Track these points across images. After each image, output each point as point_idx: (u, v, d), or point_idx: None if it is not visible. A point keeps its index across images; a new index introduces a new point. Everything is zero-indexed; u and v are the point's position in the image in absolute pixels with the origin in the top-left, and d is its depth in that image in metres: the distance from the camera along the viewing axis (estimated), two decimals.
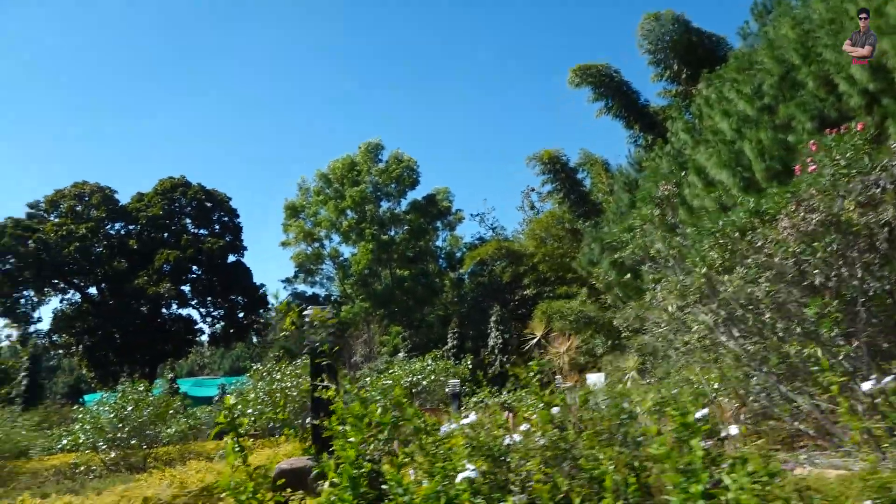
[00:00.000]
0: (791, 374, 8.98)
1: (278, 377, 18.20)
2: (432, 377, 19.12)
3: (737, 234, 9.90)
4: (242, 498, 3.44)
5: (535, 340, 16.00)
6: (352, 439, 3.49)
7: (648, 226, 13.30)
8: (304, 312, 6.63)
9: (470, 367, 20.65)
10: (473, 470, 2.97)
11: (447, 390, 16.10)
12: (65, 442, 17.35)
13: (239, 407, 15.59)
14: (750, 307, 9.62)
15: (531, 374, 4.57)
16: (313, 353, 7.17)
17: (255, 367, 19.29)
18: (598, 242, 33.25)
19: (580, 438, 3.53)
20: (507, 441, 3.93)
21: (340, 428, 3.70)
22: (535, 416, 5.94)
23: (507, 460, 3.72)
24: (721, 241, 9.96)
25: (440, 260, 51.49)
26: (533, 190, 46.26)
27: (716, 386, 10.26)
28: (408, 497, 2.83)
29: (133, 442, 17.52)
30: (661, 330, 13.82)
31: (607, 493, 2.73)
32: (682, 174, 24.64)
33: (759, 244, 9.27)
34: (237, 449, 3.80)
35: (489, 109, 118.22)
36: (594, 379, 18.94)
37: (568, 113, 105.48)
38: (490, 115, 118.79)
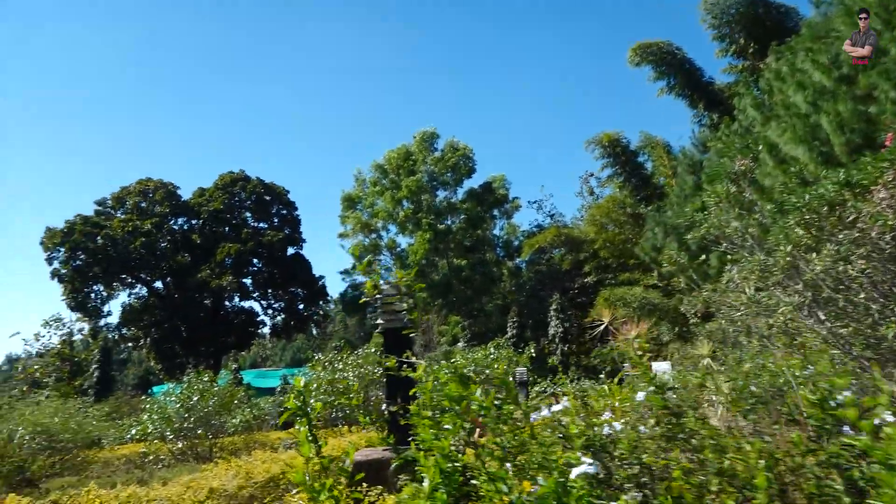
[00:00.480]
0: (885, 359, 8.26)
1: (340, 367, 18.01)
2: (495, 366, 18.64)
3: (825, 209, 9.17)
4: (321, 498, 3.02)
5: (602, 327, 15.33)
6: (448, 426, 3.06)
7: (723, 203, 12.55)
8: (384, 286, 6.24)
9: (533, 355, 20.08)
10: (592, 464, 2.50)
11: (513, 379, 15.61)
12: (133, 432, 17.58)
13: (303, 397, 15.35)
14: (841, 287, 8.90)
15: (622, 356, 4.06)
16: (391, 327, 6.76)
17: (316, 357, 19.17)
18: (661, 227, 32.22)
19: (703, 426, 3.01)
20: (605, 431, 3.44)
21: (427, 413, 3.26)
22: (608, 403, 5.39)
23: (614, 453, 3.22)
24: (807, 217, 9.23)
25: (497, 249, 50.87)
26: (592, 175, 45.23)
27: (796, 373, 9.54)
28: (515, 495, 2.39)
29: (199, 432, 17.62)
30: (738, 315, 13.11)
31: (760, 493, 2.23)
32: (752, 153, 23.58)
33: (851, 218, 8.53)
34: (310, 438, 3.38)
35: (546, 94, 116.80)
36: (660, 368, 18.16)
37: (627, 95, 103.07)
38: (547, 100, 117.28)
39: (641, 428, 3.54)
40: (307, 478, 3.10)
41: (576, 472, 2.39)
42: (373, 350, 18.43)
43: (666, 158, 36.92)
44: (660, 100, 33.55)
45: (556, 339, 37.56)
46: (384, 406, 7.53)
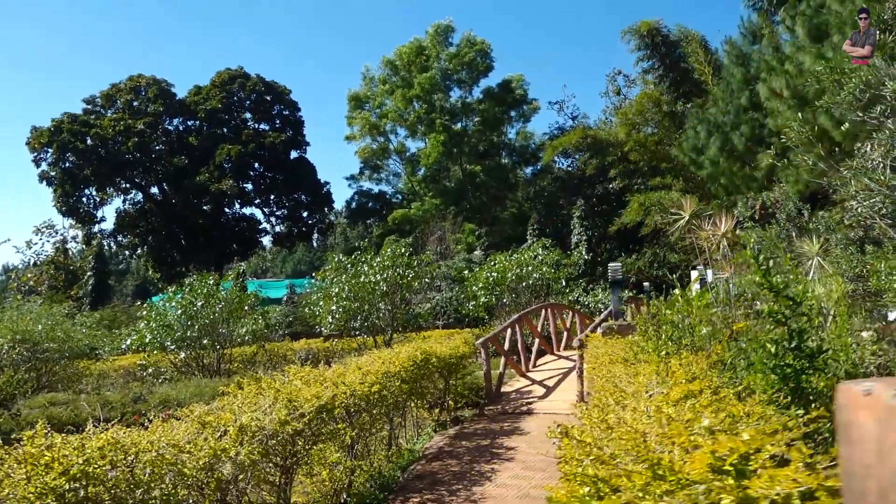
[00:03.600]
0: None
1: (366, 269, 15.60)
2: (543, 269, 16.26)
3: None
4: None
5: (682, 221, 12.85)
6: None
7: (876, 59, 9.82)
8: None
9: (586, 258, 17.75)
10: None
11: (609, 274, 13.23)
12: (129, 342, 15.32)
13: (321, 304, 12.65)
14: None
15: None
16: None
17: (336, 259, 16.74)
18: (704, 125, 29.39)
19: None
20: None
21: None
22: None
23: None
24: None
25: (514, 155, 47.84)
26: (620, 73, 41.77)
27: None
28: None
29: (205, 342, 15.42)
30: (872, 200, 10.59)
31: None
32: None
33: None
34: None
35: None
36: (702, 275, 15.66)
37: None
38: None
39: None
40: None
41: None
42: (402, 251, 15.94)
43: (703, 54, 33.64)
44: None
45: (581, 247, 35.14)
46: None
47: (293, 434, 4.65)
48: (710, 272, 16.57)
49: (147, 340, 15.13)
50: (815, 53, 22.13)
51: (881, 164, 10.35)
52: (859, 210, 10.45)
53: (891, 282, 10.55)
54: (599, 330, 10.76)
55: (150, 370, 15.31)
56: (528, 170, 47.51)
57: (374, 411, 6.51)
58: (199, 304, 15.44)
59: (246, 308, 16.68)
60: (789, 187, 23.79)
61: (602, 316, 12.25)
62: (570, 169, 41.88)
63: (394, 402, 7.04)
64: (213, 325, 15.57)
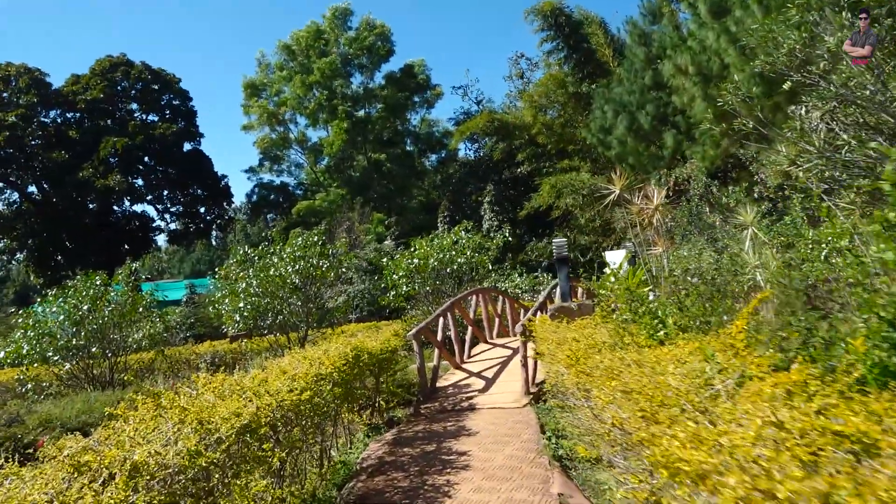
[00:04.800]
0: None
1: (275, 260, 14.25)
2: (468, 253, 15.34)
3: None
4: None
5: (613, 196, 12.23)
6: None
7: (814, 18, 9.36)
8: None
9: (509, 240, 17.00)
10: None
11: (554, 251, 12.38)
12: (2, 354, 13.34)
13: (226, 302, 11.16)
14: None
15: None
16: None
17: (241, 252, 15.24)
18: (611, 105, 29.37)
19: None
20: None
21: None
22: None
23: None
24: None
25: (419, 143, 46.87)
26: (522, 56, 41.47)
27: None
28: None
29: (94, 350, 13.65)
30: (809, 165, 10.21)
31: None
32: None
33: None
34: None
35: None
36: (615, 257, 15.24)
37: None
38: None
39: None
40: None
41: None
42: (315, 240, 14.66)
43: (603, 36, 33.76)
44: None
45: (504, 229, 34.68)
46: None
47: (208, 467, 3.48)
48: (621, 252, 16.14)
49: (24, 352, 13.22)
50: (717, 29, 22.26)
51: (819, 126, 9.97)
52: (798, 175, 10.04)
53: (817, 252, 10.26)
54: (542, 313, 9.96)
55: (30, 385, 13.40)
56: (434, 157, 46.76)
57: (306, 423, 5.36)
58: (86, 307, 13.65)
59: (140, 310, 14.95)
60: (698, 161, 23.93)
61: (541, 298, 11.48)
62: (477, 154, 41.35)
63: (327, 410, 5.90)
64: (102, 331, 13.82)
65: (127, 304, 14.76)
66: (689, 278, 13.53)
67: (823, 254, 10.52)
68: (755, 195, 20.84)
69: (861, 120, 9.28)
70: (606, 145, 29.59)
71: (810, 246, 11.13)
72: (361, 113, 42.65)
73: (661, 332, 4.37)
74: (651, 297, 9.01)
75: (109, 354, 14.15)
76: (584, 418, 4.58)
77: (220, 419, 3.77)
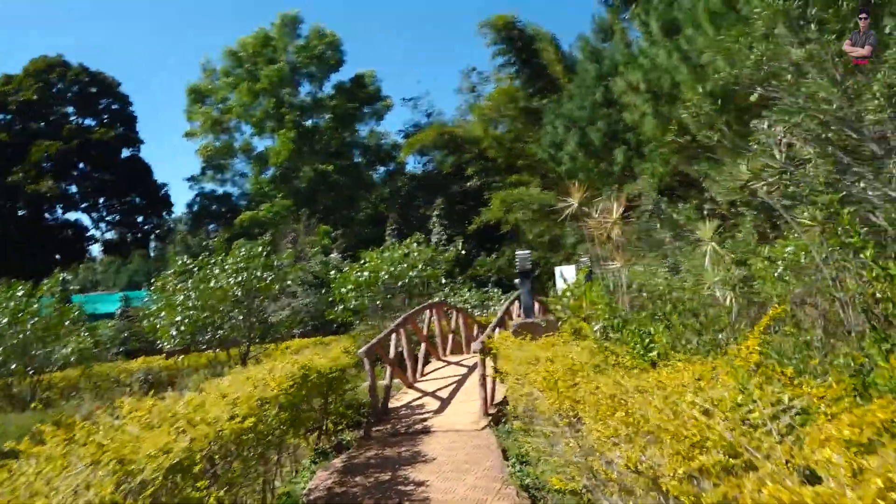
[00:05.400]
0: None
1: (216, 272, 13.46)
2: (419, 266, 14.79)
3: None
4: None
5: (571, 208, 11.88)
6: None
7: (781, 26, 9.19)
8: None
9: (462, 252, 16.54)
10: None
11: (518, 264, 11.89)
12: None
13: (162, 315, 10.33)
14: None
15: None
16: None
17: (179, 262, 14.37)
18: (562, 120, 29.35)
19: None
20: None
21: None
22: None
23: None
24: None
25: (367, 154, 46.20)
26: (474, 70, 41.29)
27: None
28: None
29: (13, 367, 12.59)
30: (772, 179, 10.04)
31: None
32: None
33: None
34: None
35: None
36: (566, 273, 14.97)
37: None
38: None
39: None
40: None
41: None
42: (259, 250, 13.94)
43: (554, 52, 33.83)
44: None
45: (440, 247, 34.28)
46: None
47: None
48: (571, 268, 15.85)
49: None
50: (669, 47, 22.37)
51: (781, 141, 9.82)
52: (761, 191, 9.85)
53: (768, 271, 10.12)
54: (501, 330, 9.49)
55: None
56: (383, 169, 46.18)
57: (249, 454, 4.73)
58: (5, 321, 12.61)
59: (67, 324, 13.92)
60: (648, 178, 23.95)
61: (500, 313, 11.00)
62: (427, 167, 41.01)
63: (272, 438, 5.27)
64: (23, 347, 12.79)
65: (52, 318, 13.74)
66: (642, 293, 13.30)
67: (777, 272, 10.37)
68: (705, 212, 20.96)
69: (824, 136, 9.13)
70: (557, 161, 29.52)
71: (765, 263, 10.98)
72: (309, 123, 41.82)
73: (653, 353, 3.93)
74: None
75: (31, 372, 13.10)
76: (565, 449, 4.10)
77: (144, 457, 3.14)
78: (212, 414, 4.17)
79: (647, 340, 4.10)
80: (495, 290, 28.88)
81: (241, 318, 13.89)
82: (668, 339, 4.13)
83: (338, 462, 7.31)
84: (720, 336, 4.19)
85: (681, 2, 23.18)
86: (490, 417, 8.32)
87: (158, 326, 13.73)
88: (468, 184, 36.78)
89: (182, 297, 13.26)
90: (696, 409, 2.32)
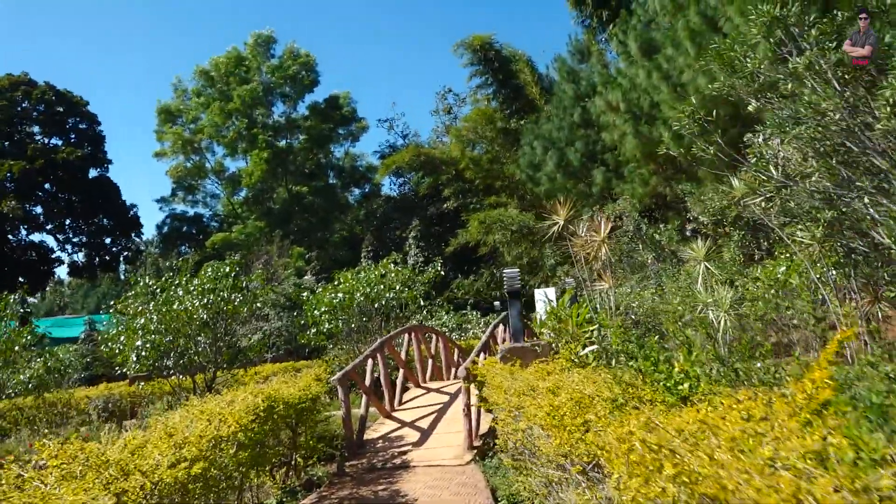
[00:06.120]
0: None
1: (180, 293, 12.67)
2: (397, 288, 14.10)
3: None
4: None
5: (557, 226, 11.29)
6: None
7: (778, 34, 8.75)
8: None
9: (441, 273, 15.89)
10: None
11: (506, 284, 11.20)
12: None
13: (122, 339, 9.47)
14: None
15: None
16: None
17: (140, 283, 13.54)
18: (540, 141, 29.02)
19: None
20: None
21: None
22: None
23: None
24: None
25: (342, 176, 45.59)
26: (450, 91, 41.00)
27: None
28: None
29: None
30: (770, 195, 9.57)
31: None
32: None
33: None
34: None
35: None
36: (545, 295, 14.39)
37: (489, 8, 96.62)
38: (398, 5, 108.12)
39: None
40: None
41: None
42: (227, 270, 13.19)
43: (530, 73, 33.62)
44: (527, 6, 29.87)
45: (416, 269, 33.62)
46: None
47: None
48: (552, 290, 15.27)
49: None
50: (649, 67, 22.11)
51: (778, 155, 9.37)
52: (757, 209, 9.36)
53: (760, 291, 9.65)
54: (486, 355, 8.83)
55: None
56: (358, 191, 45.58)
57: None
58: None
59: (17, 349, 12.98)
60: (629, 196, 23.53)
61: (485, 337, 10.33)
62: (403, 189, 40.44)
63: (229, 483, 4.55)
64: None
65: (6, 342, 12.82)
66: (629, 315, 12.75)
67: (769, 293, 9.86)
68: (688, 232, 20.60)
69: (822, 149, 8.67)
70: (536, 181, 29.15)
71: (757, 284, 10.49)
72: (283, 143, 41.15)
73: (684, 385, 3.31)
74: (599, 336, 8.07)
75: None
76: (574, 499, 3.44)
77: None
78: (150, 460, 3.45)
79: (675, 370, 3.48)
80: (473, 313, 28.30)
81: (207, 342, 13.08)
82: (698, 369, 3.51)
83: (307, 502, 6.57)
84: (759, 366, 3.58)
85: (659, 22, 23.07)
86: (475, 451, 7.63)
87: (118, 351, 12.86)
88: (445, 205, 36.27)
89: (143, 320, 12.43)
90: (799, 461, 1.70)
